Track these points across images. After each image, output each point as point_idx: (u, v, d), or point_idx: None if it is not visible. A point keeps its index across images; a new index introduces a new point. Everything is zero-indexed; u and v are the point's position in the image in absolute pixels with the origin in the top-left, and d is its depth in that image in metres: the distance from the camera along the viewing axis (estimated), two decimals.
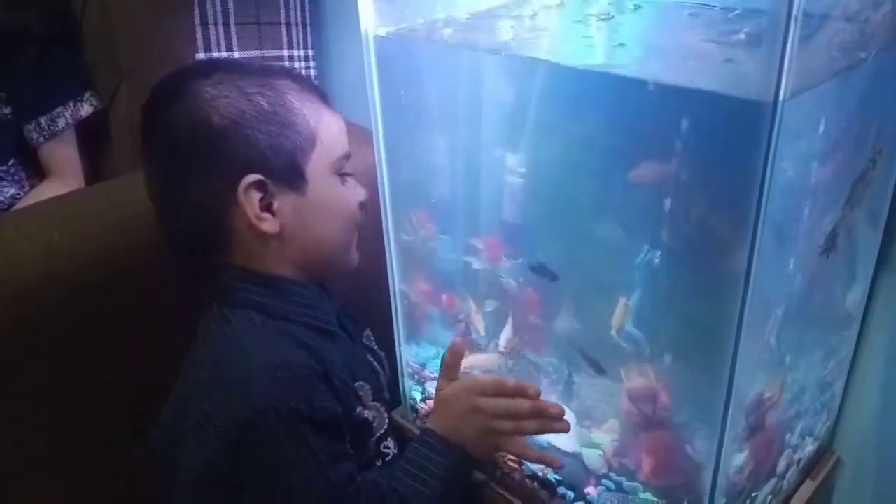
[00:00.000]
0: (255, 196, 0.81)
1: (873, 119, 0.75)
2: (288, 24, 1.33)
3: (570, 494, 0.85)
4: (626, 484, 0.83)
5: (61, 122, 1.35)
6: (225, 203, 0.82)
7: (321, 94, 0.90)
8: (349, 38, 0.88)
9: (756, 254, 0.61)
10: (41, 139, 1.35)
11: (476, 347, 0.98)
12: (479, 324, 0.97)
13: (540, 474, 0.87)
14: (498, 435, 0.85)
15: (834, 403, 0.96)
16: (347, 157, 0.89)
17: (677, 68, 0.70)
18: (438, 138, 0.92)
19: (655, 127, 0.69)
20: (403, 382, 1.03)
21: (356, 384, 0.90)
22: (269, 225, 0.82)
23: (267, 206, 0.83)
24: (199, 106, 0.81)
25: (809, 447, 0.93)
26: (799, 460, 0.91)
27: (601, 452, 0.86)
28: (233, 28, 1.29)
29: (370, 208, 0.93)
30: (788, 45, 0.53)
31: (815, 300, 0.81)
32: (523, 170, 0.86)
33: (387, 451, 0.94)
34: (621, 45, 0.73)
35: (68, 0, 1.38)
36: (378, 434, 0.92)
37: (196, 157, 0.82)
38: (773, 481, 0.86)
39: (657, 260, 0.73)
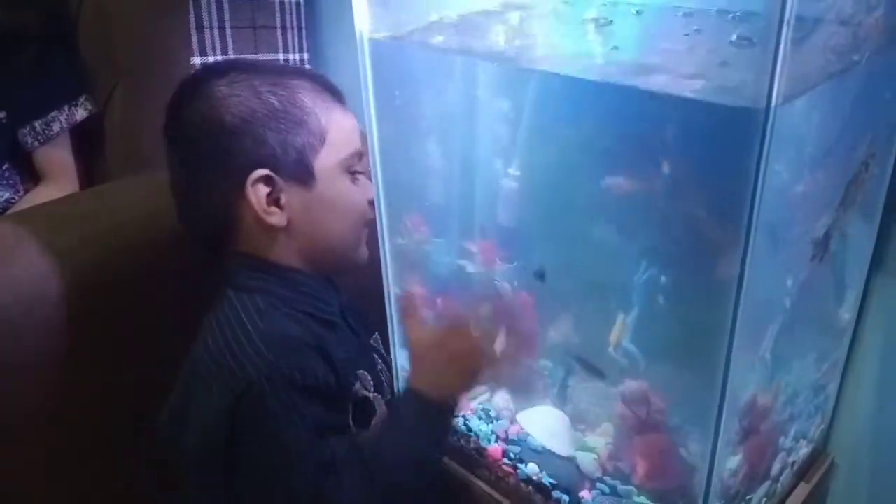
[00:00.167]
0: (263, 191, 0.84)
1: (866, 122, 0.76)
2: (283, 28, 1.34)
3: (565, 498, 0.85)
4: (621, 487, 0.83)
5: (56, 127, 1.35)
6: (235, 197, 0.85)
7: (336, 92, 0.92)
8: (344, 41, 0.89)
9: (749, 258, 0.61)
10: (36, 143, 1.35)
11: None
12: None
13: (534, 478, 0.87)
14: (477, 370, 0.87)
15: (828, 406, 0.97)
16: (359, 155, 0.90)
17: (670, 72, 0.70)
18: (433, 142, 0.92)
19: (648, 132, 0.69)
20: (398, 386, 1.03)
21: (358, 371, 0.91)
22: (276, 218, 0.86)
23: (275, 201, 0.86)
24: (213, 105, 0.85)
25: (803, 450, 0.93)
26: (793, 463, 0.91)
27: (596, 456, 0.86)
28: (228, 32, 1.29)
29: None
30: (780, 50, 0.53)
31: (809, 303, 0.81)
32: (518, 173, 0.86)
33: None
34: (615, 48, 0.73)
35: (64, 4, 1.38)
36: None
37: (209, 154, 0.86)
38: (767, 484, 0.86)
39: (662, 279, 0.74)
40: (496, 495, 0.91)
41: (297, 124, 0.85)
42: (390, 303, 1.00)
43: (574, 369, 0.89)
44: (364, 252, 0.94)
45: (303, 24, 1.35)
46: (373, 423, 0.91)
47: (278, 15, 1.32)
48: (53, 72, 1.36)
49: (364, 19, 0.84)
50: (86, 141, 1.40)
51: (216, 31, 1.28)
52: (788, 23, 0.53)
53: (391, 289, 0.99)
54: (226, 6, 1.27)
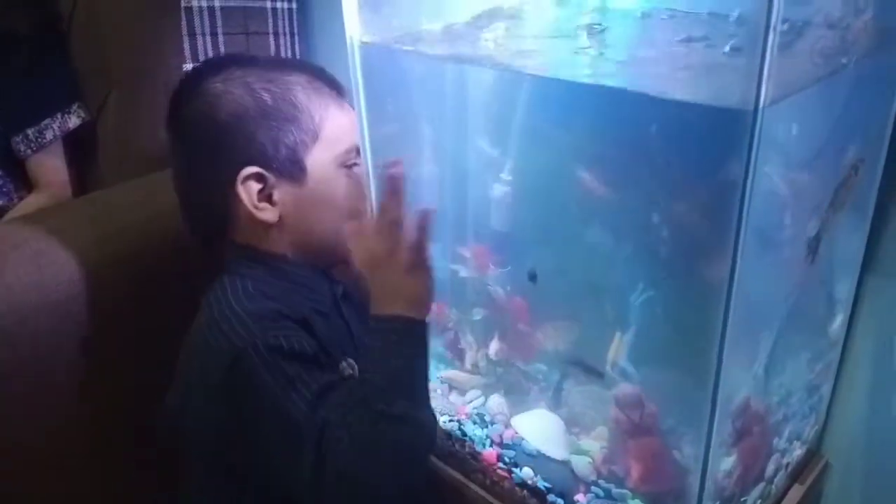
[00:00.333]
0: (254, 187, 0.86)
1: (855, 125, 0.76)
2: (276, 34, 1.34)
3: (560, 502, 0.85)
4: (616, 491, 0.83)
5: (49, 135, 1.35)
6: (228, 192, 0.87)
7: (335, 86, 0.93)
8: (336, 47, 0.89)
9: (739, 260, 0.62)
10: (29, 151, 1.35)
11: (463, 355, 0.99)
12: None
13: (529, 482, 0.87)
14: (430, 273, 0.81)
15: (822, 407, 0.97)
16: (357, 150, 0.91)
17: (660, 76, 0.70)
18: (425, 146, 0.92)
19: (638, 135, 0.69)
20: None
21: (347, 359, 0.90)
22: (268, 214, 0.88)
23: (267, 197, 0.88)
24: (208, 103, 0.87)
25: (797, 451, 0.93)
26: (787, 464, 0.91)
27: (590, 459, 0.86)
28: (220, 38, 1.29)
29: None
30: (768, 53, 0.54)
31: (800, 304, 0.81)
32: (510, 178, 0.86)
33: None
34: (601, 53, 0.73)
35: (55, 11, 1.38)
36: None
37: (204, 150, 0.89)
38: (761, 486, 0.86)
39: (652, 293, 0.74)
40: (491, 499, 0.91)
41: (289, 122, 0.87)
42: None
43: (569, 373, 0.89)
44: None
45: (295, 31, 1.35)
46: None
47: (270, 21, 1.32)
48: (46, 80, 1.36)
49: (355, 25, 0.84)
50: (79, 148, 1.40)
51: (208, 38, 1.28)
52: (775, 28, 0.53)
53: None
54: (218, 13, 1.27)
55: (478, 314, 0.96)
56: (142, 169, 1.18)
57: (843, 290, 0.90)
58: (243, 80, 0.88)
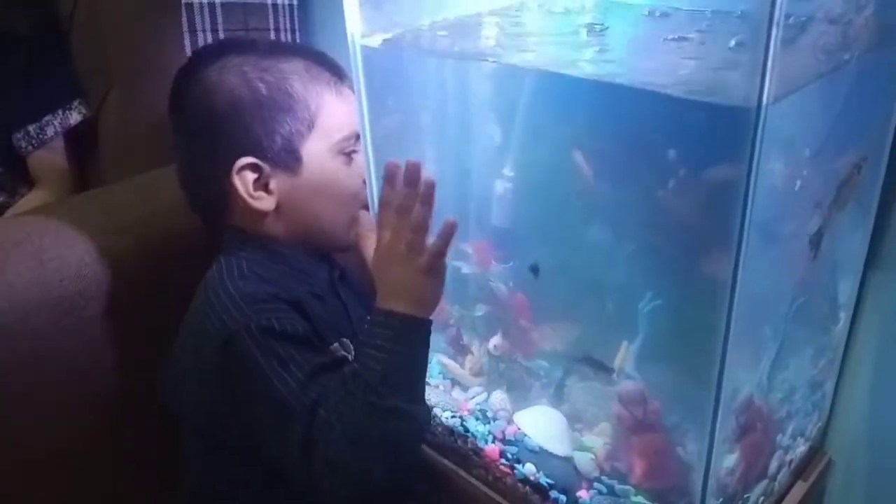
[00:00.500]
0: (250, 177, 0.87)
1: (857, 121, 0.76)
2: (276, 31, 1.33)
3: (563, 498, 0.85)
4: (618, 487, 0.83)
5: (50, 131, 1.34)
6: (225, 181, 0.87)
7: (335, 71, 0.93)
8: (337, 44, 0.89)
9: (742, 256, 0.61)
10: (30, 147, 1.35)
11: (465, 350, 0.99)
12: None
13: (532, 478, 0.87)
14: (441, 274, 0.81)
15: (825, 404, 0.97)
16: (356, 136, 0.91)
17: (663, 72, 0.70)
18: (426, 143, 0.92)
19: (641, 132, 0.69)
20: None
21: (342, 339, 0.90)
22: (264, 203, 0.88)
23: (264, 186, 0.88)
24: (205, 91, 0.88)
25: (801, 448, 0.93)
26: (790, 461, 0.91)
27: (593, 456, 0.86)
28: (221, 34, 1.29)
29: None
30: (771, 50, 0.54)
31: (804, 301, 0.81)
32: (512, 174, 0.86)
33: None
34: (601, 50, 0.73)
35: (56, 8, 1.38)
36: None
37: (201, 139, 0.90)
38: (764, 482, 0.86)
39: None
40: (493, 496, 0.91)
41: (284, 111, 0.87)
42: None
43: (574, 369, 0.89)
44: (358, 235, 0.95)
45: (296, 27, 1.35)
46: None
47: (271, 18, 1.32)
48: (48, 76, 1.36)
49: (356, 22, 0.84)
50: (80, 145, 1.40)
51: (209, 35, 1.28)
52: (778, 24, 0.53)
53: None
54: (218, 10, 1.27)
55: (480, 310, 0.96)
56: (143, 166, 1.18)
57: (847, 286, 0.90)
58: (240, 69, 0.88)
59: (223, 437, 0.87)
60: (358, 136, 0.91)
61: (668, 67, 0.70)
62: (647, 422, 0.80)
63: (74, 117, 1.36)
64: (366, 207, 0.94)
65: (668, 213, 0.72)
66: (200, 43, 1.28)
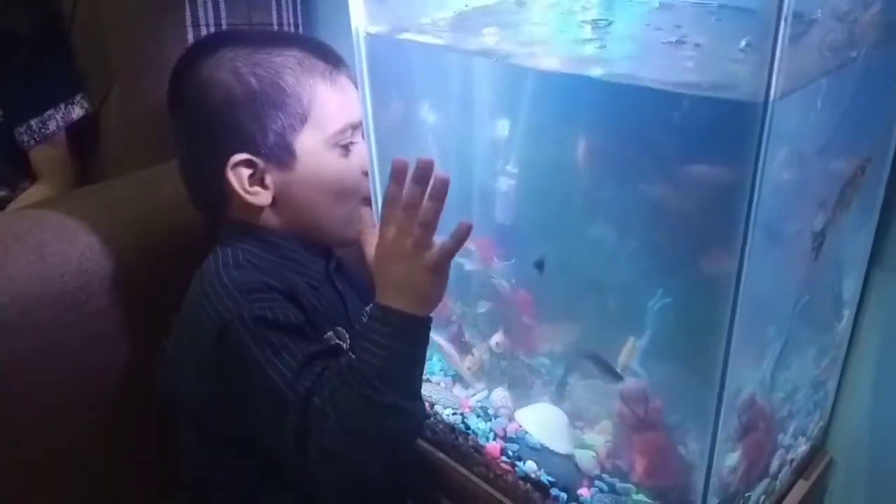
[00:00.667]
0: (245, 173, 0.87)
1: (863, 119, 0.75)
2: (280, 26, 1.33)
3: (563, 496, 0.85)
4: (619, 485, 0.83)
5: (52, 125, 1.34)
6: (221, 177, 0.87)
7: (331, 59, 0.91)
8: (341, 38, 0.88)
9: (747, 254, 0.61)
10: (32, 142, 1.35)
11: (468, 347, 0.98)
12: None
13: (533, 476, 0.87)
14: (435, 267, 0.78)
15: (826, 403, 0.96)
16: (353, 127, 0.90)
17: (668, 67, 0.70)
18: (430, 139, 0.92)
19: (646, 128, 0.69)
20: None
21: (336, 327, 0.91)
22: (260, 198, 0.88)
23: (260, 181, 0.88)
24: (197, 88, 0.88)
25: (802, 447, 0.93)
26: (792, 460, 0.91)
27: (594, 454, 0.86)
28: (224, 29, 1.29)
29: None
30: (779, 46, 0.53)
31: (806, 300, 0.81)
32: (515, 171, 0.86)
33: None
34: (603, 47, 0.73)
35: (56, 6, 1.37)
36: None
37: (195, 136, 0.90)
38: (765, 481, 0.85)
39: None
40: (494, 493, 0.91)
41: (276, 107, 0.86)
42: None
43: (575, 366, 0.89)
44: (357, 231, 0.96)
45: (299, 22, 1.34)
46: None
47: (275, 12, 1.31)
48: (50, 70, 1.36)
49: (360, 16, 0.84)
50: (82, 140, 1.40)
51: (212, 29, 1.27)
52: (786, 19, 0.53)
53: None
54: (221, 4, 1.27)
55: (482, 307, 0.95)
56: (144, 161, 1.18)
57: (850, 286, 0.90)
58: (232, 65, 0.87)
59: (220, 429, 0.87)
60: (355, 128, 0.90)
61: (673, 63, 0.69)
62: (649, 420, 0.80)
63: (77, 111, 1.36)
64: (367, 201, 0.94)
65: (672, 210, 0.71)
66: None
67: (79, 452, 0.98)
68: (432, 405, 0.96)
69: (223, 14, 1.28)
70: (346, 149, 0.90)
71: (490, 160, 0.88)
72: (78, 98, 1.36)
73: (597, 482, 0.84)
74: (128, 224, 1.01)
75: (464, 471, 0.93)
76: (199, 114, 0.89)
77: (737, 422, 0.76)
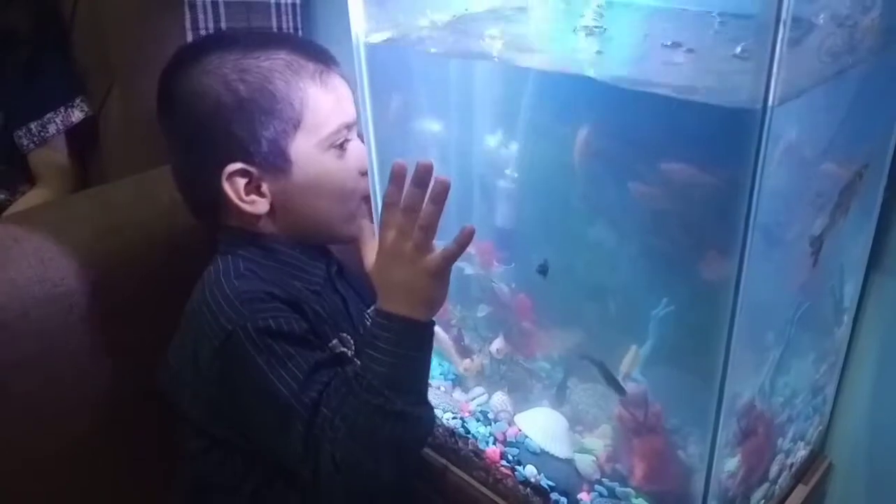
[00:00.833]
0: (240, 182, 0.86)
1: (862, 125, 0.76)
2: (279, 30, 1.33)
3: (563, 500, 0.85)
4: (619, 489, 0.83)
5: (52, 128, 1.34)
6: (217, 187, 0.86)
7: (322, 59, 0.90)
8: (341, 42, 0.88)
9: (746, 259, 0.61)
10: (31, 145, 1.35)
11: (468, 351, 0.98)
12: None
13: (533, 480, 0.87)
14: (437, 271, 0.78)
15: (825, 408, 0.96)
16: (347, 126, 0.90)
17: (668, 73, 0.70)
18: (429, 143, 0.92)
19: (645, 134, 0.69)
20: None
21: (340, 333, 0.91)
22: (257, 206, 0.88)
23: (256, 188, 0.87)
24: (187, 97, 0.86)
25: (801, 452, 0.93)
26: (791, 465, 0.91)
27: (594, 458, 0.86)
28: None
29: None
30: (777, 52, 0.53)
31: (805, 305, 0.81)
32: (515, 175, 0.86)
33: None
34: (599, 52, 0.73)
35: (56, 4, 1.38)
36: None
37: (186, 147, 0.89)
38: (765, 486, 0.86)
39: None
40: (494, 497, 0.91)
41: (267, 113, 0.85)
42: None
43: (583, 366, 0.88)
44: (358, 226, 0.95)
45: (299, 26, 1.34)
46: None
47: (274, 17, 1.31)
48: (49, 74, 1.36)
49: (360, 21, 0.83)
50: (81, 143, 1.40)
51: (212, 32, 1.28)
52: (785, 24, 0.53)
53: None
54: (221, 7, 1.27)
55: (482, 311, 0.95)
56: (144, 164, 1.17)
57: (848, 290, 0.90)
58: (220, 72, 0.85)
59: (225, 435, 0.87)
60: (349, 127, 0.90)
61: (673, 69, 0.69)
62: (649, 424, 0.80)
63: (76, 115, 1.36)
64: (366, 199, 0.94)
65: (671, 216, 0.71)
66: None
67: (78, 454, 0.98)
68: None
69: (223, 17, 1.28)
70: (341, 148, 0.89)
71: (490, 164, 0.88)
72: (77, 101, 1.36)
73: (596, 486, 0.84)
74: (127, 227, 1.01)
75: (463, 475, 0.93)
76: (189, 124, 0.87)
77: (736, 426, 0.76)
